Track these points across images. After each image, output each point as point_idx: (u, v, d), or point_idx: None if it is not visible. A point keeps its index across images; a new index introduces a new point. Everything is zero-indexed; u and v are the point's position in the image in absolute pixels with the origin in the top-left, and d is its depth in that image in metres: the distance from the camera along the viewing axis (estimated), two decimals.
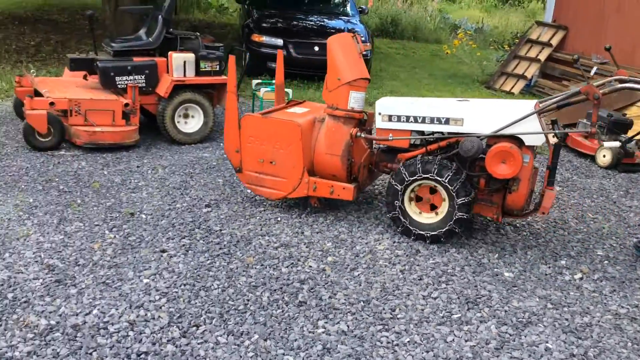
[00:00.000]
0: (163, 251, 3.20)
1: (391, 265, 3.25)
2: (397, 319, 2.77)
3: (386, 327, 2.70)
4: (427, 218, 3.54)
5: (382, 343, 2.59)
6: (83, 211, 3.63)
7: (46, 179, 4.11)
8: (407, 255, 3.37)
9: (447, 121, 3.47)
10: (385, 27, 14.16)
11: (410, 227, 3.52)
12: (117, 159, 4.63)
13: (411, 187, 3.52)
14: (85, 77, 5.21)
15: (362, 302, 2.87)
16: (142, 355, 2.37)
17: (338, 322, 2.70)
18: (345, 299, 2.88)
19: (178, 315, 2.65)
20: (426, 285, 3.08)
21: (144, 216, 3.63)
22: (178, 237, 3.38)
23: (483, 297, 3.00)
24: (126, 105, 4.79)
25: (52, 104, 4.59)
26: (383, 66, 10.26)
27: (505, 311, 2.89)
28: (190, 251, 3.23)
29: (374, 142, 3.82)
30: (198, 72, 5.07)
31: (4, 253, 3.06)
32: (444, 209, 3.47)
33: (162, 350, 2.41)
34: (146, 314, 2.63)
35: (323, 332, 2.62)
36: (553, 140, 3.54)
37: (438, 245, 3.50)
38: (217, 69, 5.17)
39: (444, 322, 2.77)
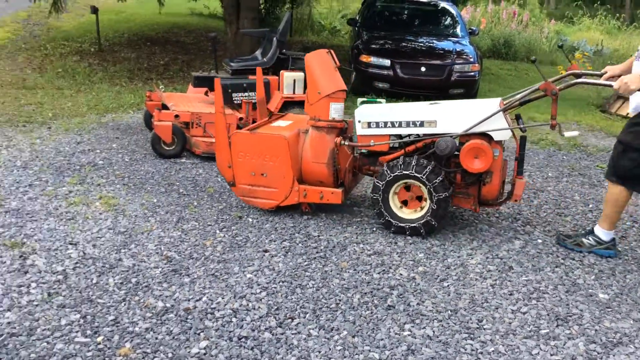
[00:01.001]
0: (265, 251, 3.50)
1: (482, 279, 3.32)
2: (483, 329, 2.84)
3: (472, 335, 2.79)
4: (409, 214, 3.81)
5: (466, 350, 2.68)
6: (198, 212, 4.03)
7: (168, 182, 4.58)
8: (499, 271, 3.42)
9: (421, 124, 3.74)
10: (498, 48, 13.95)
11: (392, 221, 3.80)
12: None
13: (394, 186, 3.77)
14: (206, 93, 5.73)
15: (449, 311, 2.97)
16: (243, 339, 2.64)
17: (424, 327, 2.83)
18: (432, 307, 3.00)
19: (275, 307, 2.90)
20: (516, 300, 3.12)
21: (250, 219, 3.96)
22: (279, 240, 3.66)
23: (574, 315, 3.00)
24: (240, 119, 5.21)
25: (176, 116, 5.11)
26: (492, 87, 10.16)
27: (596, 330, 2.87)
28: (289, 253, 3.50)
29: (367, 148, 4.03)
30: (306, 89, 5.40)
31: (130, 244, 3.49)
32: (424, 205, 3.75)
33: (259, 336, 2.67)
34: (247, 304, 2.91)
35: (409, 335, 2.76)
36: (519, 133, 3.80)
37: (532, 264, 3.52)
38: None
39: (531, 336, 2.80)
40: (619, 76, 3.42)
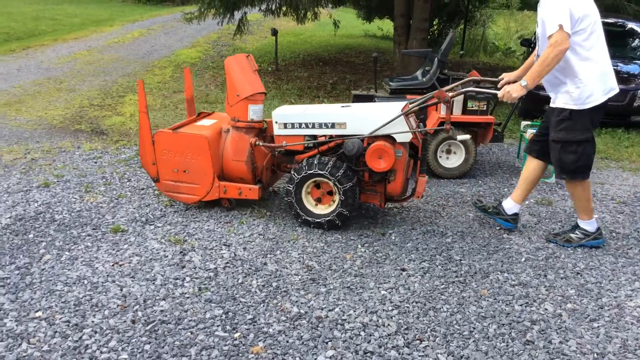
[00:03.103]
0: (403, 270, 3.48)
1: (639, 324, 2.98)
2: None
3: None
4: (323, 209, 4.05)
5: None
6: (343, 226, 4.13)
7: None
8: None
9: (332, 125, 3.97)
10: None
11: (302, 213, 4.04)
12: None
13: (306, 183, 4.01)
14: None
15: (595, 354, 2.71)
16: (368, 354, 2.65)
17: None
18: (577, 347, 2.76)
19: (405, 327, 2.87)
20: None
21: (393, 237, 3.97)
22: (419, 260, 3.62)
23: None
24: None
25: None
26: None
27: None
28: (427, 274, 3.44)
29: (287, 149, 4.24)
30: (465, 110, 5.28)
31: (276, 250, 3.68)
32: (334, 200, 3.99)
33: (385, 353, 2.66)
34: (378, 320, 2.92)
35: None
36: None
37: None
38: (484, 108, 5.31)
39: None
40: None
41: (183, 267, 3.41)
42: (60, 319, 2.80)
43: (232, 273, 3.36)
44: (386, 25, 17.41)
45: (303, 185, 4.02)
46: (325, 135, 4.09)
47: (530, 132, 5.61)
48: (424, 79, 5.66)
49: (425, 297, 3.16)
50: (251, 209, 4.34)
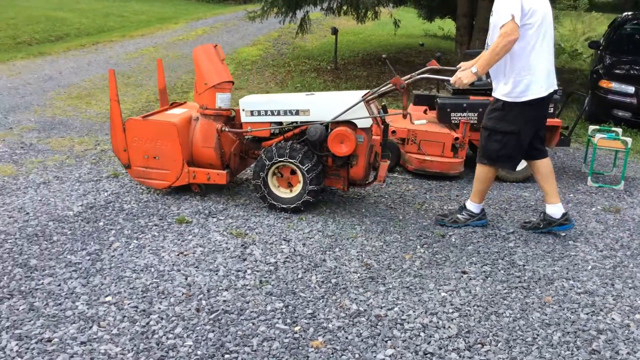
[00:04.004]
0: (464, 272, 3.43)
1: None
2: None
3: None
4: (285, 193, 4.21)
5: None
6: (402, 226, 4.11)
7: (378, 194, 4.76)
8: None
9: (297, 112, 4.13)
10: None
11: (268, 197, 4.20)
12: (440, 187, 5.05)
13: (272, 168, 4.16)
14: (425, 112, 5.81)
15: None
16: (428, 355, 2.63)
17: None
18: None
19: (466, 330, 2.84)
20: None
21: (453, 239, 3.92)
22: (480, 264, 3.56)
23: None
24: (456, 139, 5.18)
25: (393, 132, 5.28)
26: None
27: None
28: (489, 278, 3.38)
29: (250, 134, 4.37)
30: None
31: (335, 247, 3.71)
32: (298, 185, 4.15)
33: (446, 355, 2.64)
34: (438, 322, 2.89)
35: None
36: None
37: None
38: (551, 111, 5.17)
39: None
40: None
41: (244, 259, 3.47)
42: (128, 304, 2.91)
43: (292, 268, 3.40)
44: (447, 25, 17.18)
45: (269, 170, 4.17)
46: (289, 122, 4.22)
47: (598, 137, 5.43)
48: (488, 79, 5.55)
49: (487, 301, 3.12)
50: (312, 206, 4.38)
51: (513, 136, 3.77)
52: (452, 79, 3.73)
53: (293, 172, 4.18)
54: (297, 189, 4.18)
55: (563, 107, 5.80)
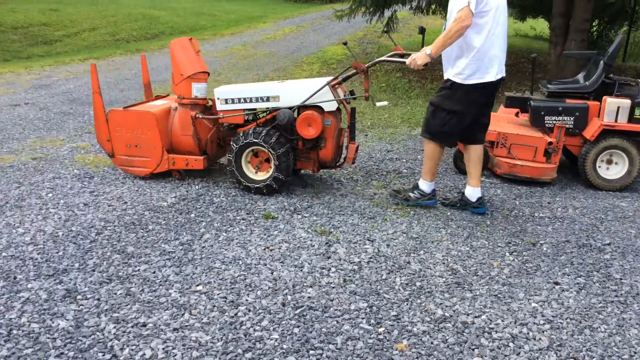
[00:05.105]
0: (556, 283, 3.29)
1: None
2: None
3: None
4: (262, 175, 4.42)
5: None
6: (489, 232, 4.00)
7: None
8: None
9: (267, 99, 4.34)
10: None
11: (242, 180, 4.42)
12: (530, 193, 4.87)
13: (245, 152, 4.36)
14: (517, 114, 5.62)
15: None
16: None
17: None
18: None
19: (558, 343, 2.72)
20: None
21: (544, 248, 3.77)
22: (574, 275, 3.41)
23: None
24: (550, 143, 4.97)
25: None
26: None
27: None
28: (583, 290, 3.23)
29: (226, 122, 4.61)
30: (631, 119, 4.88)
31: (420, 250, 3.66)
32: (271, 167, 4.35)
33: None
34: (528, 333, 2.79)
35: None
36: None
37: None
38: None
39: None
40: None
41: (328, 257, 3.50)
42: (218, 294, 3.00)
43: (376, 268, 3.39)
44: (539, 25, 16.55)
45: (242, 154, 4.37)
46: (262, 109, 4.45)
47: None
48: (587, 82, 5.29)
49: (581, 315, 2.97)
50: (395, 207, 4.35)
51: (456, 115, 4.01)
52: (407, 61, 3.95)
53: (263, 155, 4.41)
54: (269, 171, 4.39)
55: None
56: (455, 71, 3.95)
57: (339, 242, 3.71)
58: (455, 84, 3.97)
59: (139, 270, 3.22)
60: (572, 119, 5.05)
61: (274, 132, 4.30)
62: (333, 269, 3.35)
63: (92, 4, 17.10)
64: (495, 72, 3.91)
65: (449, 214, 4.29)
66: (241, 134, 4.35)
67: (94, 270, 3.19)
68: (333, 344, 2.64)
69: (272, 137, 4.27)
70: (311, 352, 2.57)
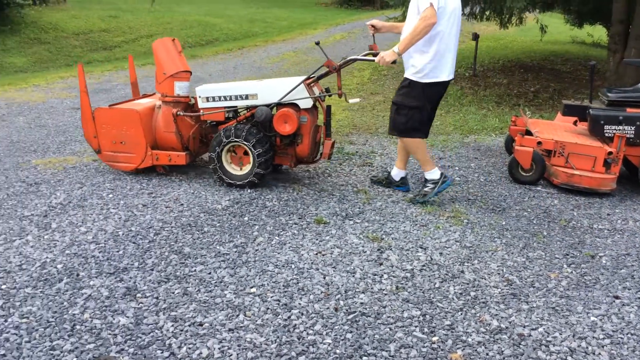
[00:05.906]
0: (617, 297, 3.19)
1: None
2: None
3: None
4: (240, 172, 4.58)
5: None
6: (546, 242, 3.91)
7: (520, 208, 4.56)
8: None
9: (246, 97, 4.52)
10: None
11: (225, 177, 4.59)
12: (589, 204, 4.73)
13: (226, 148, 4.53)
14: (575, 123, 5.48)
15: None
16: None
17: None
18: None
19: (619, 358, 2.64)
20: None
21: (604, 261, 3.66)
22: (635, 289, 3.29)
23: None
24: (609, 153, 4.83)
25: (539, 143, 5.03)
26: None
27: None
28: None
29: (207, 119, 4.74)
30: None
31: (474, 259, 3.61)
32: (249, 163, 4.53)
33: None
34: (587, 347, 2.71)
35: None
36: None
37: None
38: None
39: None
40: None
41: (380, 264, 3.49)
42: (271, 297, 3.04)
43: (429, 276, 3.36)
44: (597, 32, 16.06)
45: (222, 151, 4.53)
46: (241, 106, 4.61)
47: None
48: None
49: None
50: (448, 215, 4.30)
51: (417, 110, 4.27)
52: (376, 59, 4.12)
53: (243, 151, 4.55)
54: (249, 166, 4.54)
55: None
56: (414, 71, 4.18)
57: (391, 249, 3.70)
58: (413, 82, 4.21)
59: (195, 270, 3.29)
60: (632, 128, 4.89)
61: (253, 130, 4.46)
62: (385, 276, 3.34)
63: (149, 12, 17.62)
64: (448, 72, 4.19)
65: (503, 223, 4.22)
66: (222, 131, 4.50)
67: (152, 270, 3.28)
68: (386, 350, 2.64)
69: (252, 134, 4.43)
70: (364, 358, 2.58)
